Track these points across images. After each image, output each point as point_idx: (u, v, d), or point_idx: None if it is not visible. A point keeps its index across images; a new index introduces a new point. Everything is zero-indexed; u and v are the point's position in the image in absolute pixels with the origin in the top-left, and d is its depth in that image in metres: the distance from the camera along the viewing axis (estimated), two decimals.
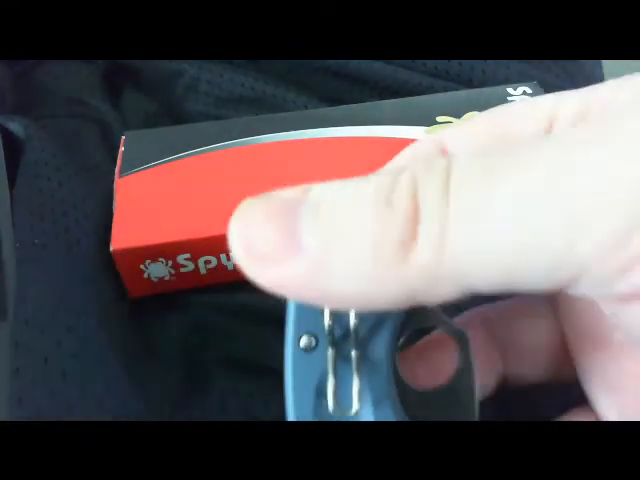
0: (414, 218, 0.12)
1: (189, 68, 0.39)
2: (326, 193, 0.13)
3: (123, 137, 0.33)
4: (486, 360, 0.19)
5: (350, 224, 0.13)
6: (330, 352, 0.15)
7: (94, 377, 0.24)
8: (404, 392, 0.16)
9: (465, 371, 0.17)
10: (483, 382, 0.19)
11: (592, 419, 0.17)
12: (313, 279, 0.13)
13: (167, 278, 0.30)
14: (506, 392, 0.20)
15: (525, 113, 0.17)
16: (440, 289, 0.12)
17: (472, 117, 0.19)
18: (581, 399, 0.18)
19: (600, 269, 0.12)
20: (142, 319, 0.29)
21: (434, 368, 0.18)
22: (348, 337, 0.16)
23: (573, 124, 0.16)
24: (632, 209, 0.11)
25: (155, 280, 0.30)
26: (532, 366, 0.20)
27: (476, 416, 0.17)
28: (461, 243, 0.12)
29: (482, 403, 0.18)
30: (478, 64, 0.37)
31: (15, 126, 0.34)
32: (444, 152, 0.18)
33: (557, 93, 0.17)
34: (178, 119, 0.39)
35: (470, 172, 0.12)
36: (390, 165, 0.19)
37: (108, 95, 0.40)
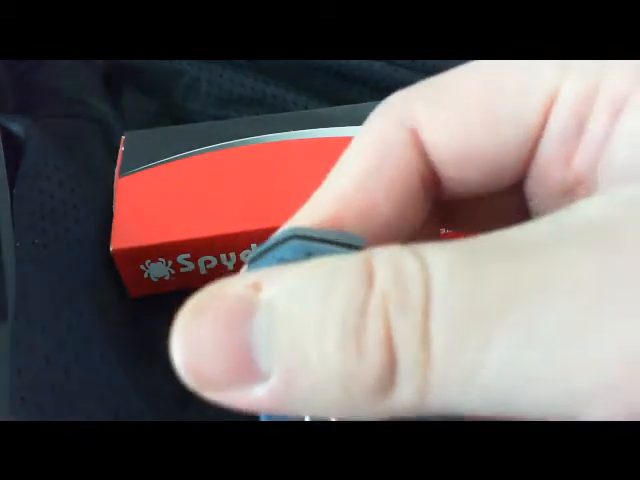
0: (390, 368, 0.11)
1: (189, 68, 0.40)
2: (281, 300, 0.11)
3: (123, 137, 0.33)
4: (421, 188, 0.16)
5: (314, 358, 0.11)
6: None
7: (95, 376, 0.24)
8: None
9: None
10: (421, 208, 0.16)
11: None
12: (278, 405, 0.12)
13: (167, 278, 0.30)
14: None
15: (521, 89, 0.14)
16: (422, 414, 0.11)
17: (455, 79, 0.15)
18: None
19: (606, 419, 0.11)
20: (142, 319, 0.29)
21: None
22: None
23: (575, 111, 0.13)
24: None
25: (155, 280, 0.30)
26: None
27: None
28: (446, 396, 0.11)
29: None
30: None
31: (15, 126, 0.34)
32: (416, 139, 0.15)
33: (561, 64, 0.14)
34: (178, 119, 0.39)
35: (454, 318, 0.10)
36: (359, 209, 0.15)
37: (108, 95, 0.40)
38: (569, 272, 0.10)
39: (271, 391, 0.11)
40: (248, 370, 0.11)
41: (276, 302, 0.11)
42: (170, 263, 0.29)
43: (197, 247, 0.29)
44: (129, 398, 0.24)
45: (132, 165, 0.32)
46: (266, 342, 0.11)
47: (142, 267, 0.29)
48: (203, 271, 0.30)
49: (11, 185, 0.31)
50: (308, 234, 0.14)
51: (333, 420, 0.14)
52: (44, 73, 0.40)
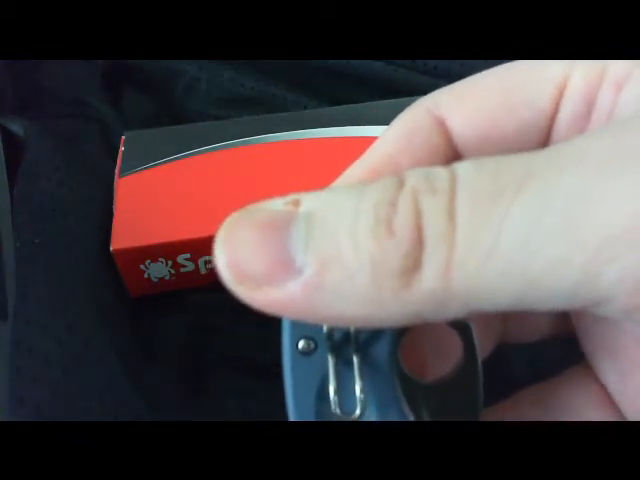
0: (418, 246, 0.11)
1: (189, 68, 0.39)
2: (318, 208, 0.12)
3: (123, 137, 0.33)
4: (485, 324, 0.18)
5: (347, 247, 0.12)
6: (330, 358, 0.15)
7: (94, 377, 0.24)
8: (409, 386, 0.16)
9: (469, 362, 0.17)
10: (482, 346, 0.18)
11: (592, 379, 0.17)
12: (309, 301, 0.12)
13: (167, 278, 0.30)
14: (505, 348, 0.20)
15: (532, 81, 0.16)
16: (446, 311, 0.12)
17: (475, 78, 0.17)
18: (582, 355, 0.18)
19: (623, 302, 0.11)
20: (142, 319, 0.29)
21: (440, 357, 0.18)
22: (348, 340, 0.15)
23: (585, 99, 0.15)
24: None
25: (155, 280, 0.30)
26: (533, 327, 0.19)
27: (481, 405, 0.17)
28: (469, 273, 0.11)
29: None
30: (479, 64, 0.37)
31: (15, 126, 0.34)
32: (442, 126, 0.16)
33: (569, 61, 0.15)
34: (178, 119, 0.39)
35: (477, 196, 0.11)
36: (384, 152, 0.17)
37: (108, 95, 0.40)
38: (579, 151, 0.11)
39: (304, 284, 0.12)
40: (284, 265, 0.12)
41: (313, 210, 0.12)
42: (170, 263, 0.29)
43: (197, 247, 0.29)
44: (129, 398, 0.24)
45: (132, 165, 0.32)
46: (303, 241, 0.12)
47: (142, 267, 0.29)
48: (203, 271, 0.30)
49: (11, 185, 0.31)
50: None
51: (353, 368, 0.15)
52: (44, 73, 0.39)
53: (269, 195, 0.32)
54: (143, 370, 0.26)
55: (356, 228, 0.12)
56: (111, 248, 0.28)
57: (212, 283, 0.31)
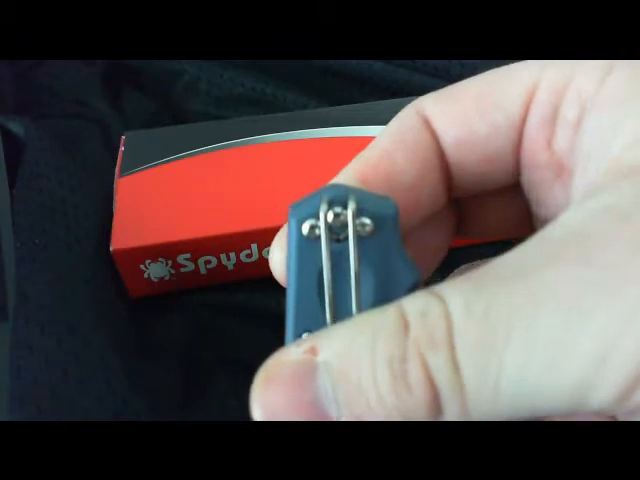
0: (435, 397, 0.13)
1: (189, 68, 0.40)
2: (336, 358, 0.13)
3: (123, 137, 0.33)
4: None
5: (374, 402, 0.13)
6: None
7: (94, 376, 0.24)
8: None
9: None
10: None
11: None
12: None
13: (167, 278, 0.30)
14: None
15: (505, 87, 0.17)
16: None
17: (459, 85, 0.18)
18: None
19: (617, 410, 0.13)
20: (142, 319, 0.29)
21: None
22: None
23: (551, 104, 0.16)
24: (635, 365, 0.12)
25: (155, 280, 0.30)
26: None
27: None
28: (483, 409, 0.13)
29: None
30: (479, 64, 0.37)
31: (15, 126, 0.34)
32: (429, 127, 0.18)
33: (542, 63, 0.16)
34: (178, 119, 0.39)
35: (473, 346, 0.13)
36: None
37: (108, 95, 0.40)
38: (552, 291, 0.13)
39: None
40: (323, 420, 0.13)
41: (332, 363, 0.13)
42: (170, 263, 0.29)
43: (197, 247, 0.29)
44: (128, 398, 0.24)
45: (132, 165, 0.32)
46: (331, 396, 0.13)
47: (142, 267, 0.29)
48: (203, 271, 0.30)
49: (11, 185, 0.31)
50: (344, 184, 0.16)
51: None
52: (44, 73, 0.40)
53: (269, 195, 0.32)
54: (143, 370, 0.26)
55: (377, 384, 0.13)
56: (111, 248, 0.28)
57: (212, 283, 0.31)
